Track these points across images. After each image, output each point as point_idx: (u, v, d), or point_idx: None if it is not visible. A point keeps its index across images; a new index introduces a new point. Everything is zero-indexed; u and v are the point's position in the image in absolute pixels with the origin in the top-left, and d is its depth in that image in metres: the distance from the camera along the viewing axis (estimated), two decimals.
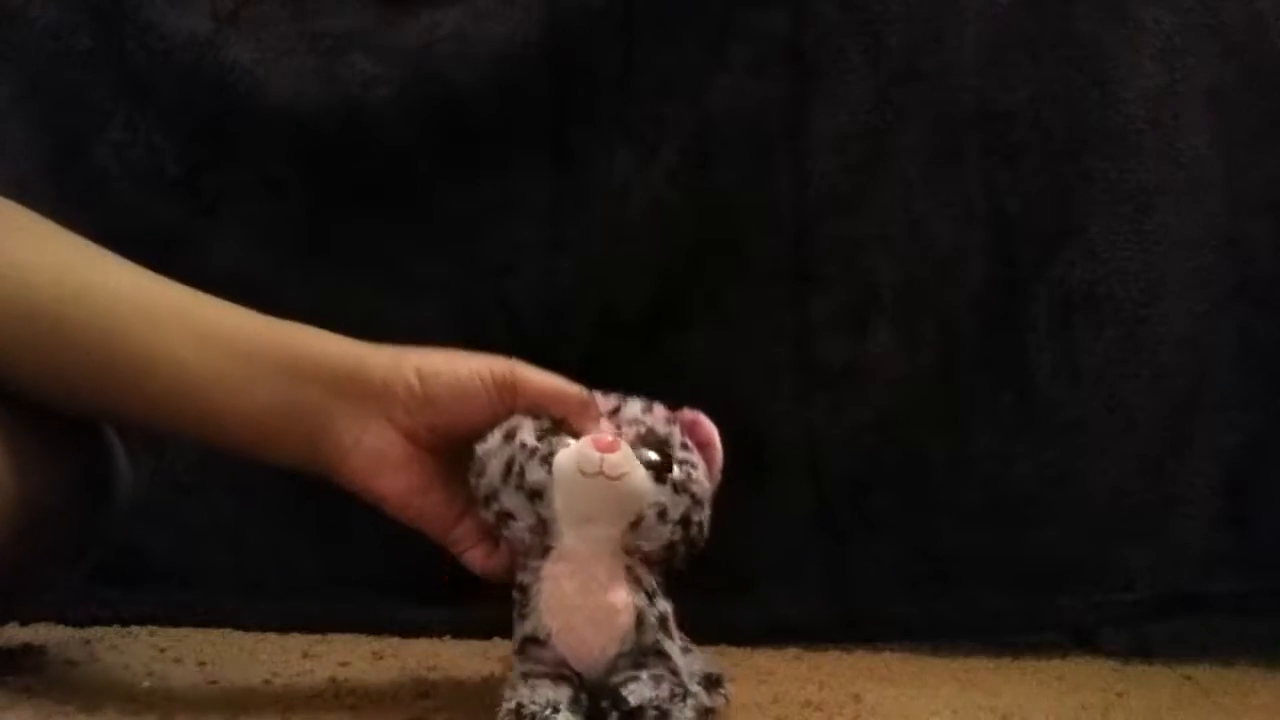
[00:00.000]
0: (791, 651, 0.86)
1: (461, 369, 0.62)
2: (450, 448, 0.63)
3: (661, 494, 0.57)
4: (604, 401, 0.61)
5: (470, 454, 0.61)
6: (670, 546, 0.58)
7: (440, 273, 0.92)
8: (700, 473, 0.60)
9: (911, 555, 0.90)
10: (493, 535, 0.62)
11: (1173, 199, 0.90)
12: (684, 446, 0.60)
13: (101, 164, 0.93)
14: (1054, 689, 0.76)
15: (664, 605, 0.59)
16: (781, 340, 0.91)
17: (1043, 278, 0.91)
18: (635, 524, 0.57)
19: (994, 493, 0.90)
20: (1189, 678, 0.80)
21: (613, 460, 0.55)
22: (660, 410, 0.62)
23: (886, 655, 0.86)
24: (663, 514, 0.57)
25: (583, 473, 0.56)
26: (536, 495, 0.57)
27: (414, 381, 0.62)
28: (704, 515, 0.59)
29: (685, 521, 0.58)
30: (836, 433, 0.91)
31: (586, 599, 0.57)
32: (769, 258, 0.92)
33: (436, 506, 0.63)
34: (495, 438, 0.60)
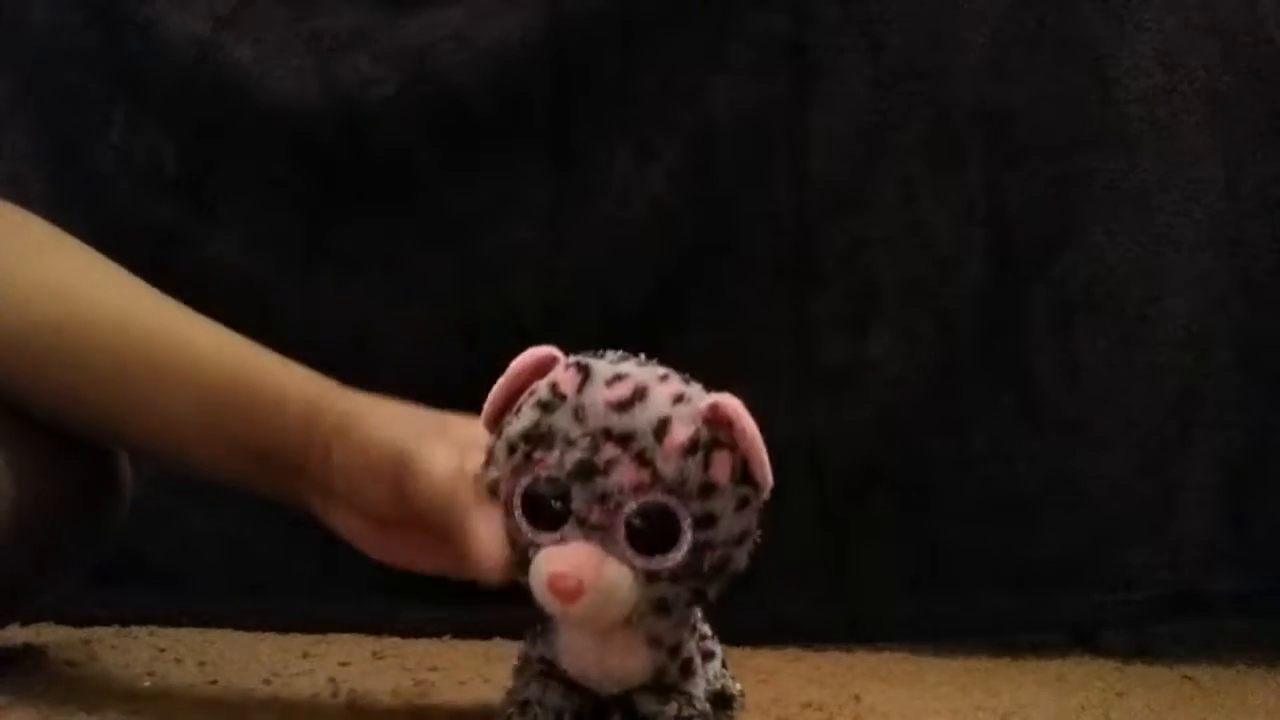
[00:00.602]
0: (792, 651, 0.86)
1: (366, 463, 0.57)
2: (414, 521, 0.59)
3: (656, 590, 0.49)
4: (604, 411, 0.49)
5: None
6: (688, 604, 0.52)
7: (440, 273, 0.92)
8: (723, 526, 0.49)
9: (911, 555, 0.90)
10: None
11: (1173, 199, 0.90)
12: (703, 490, 0.48)
13: (101, 164, 0.93)
14: (1054, 689, 0.76)
15: (688, 652, 0.54)
16: (781, 340, 0.91)
17: (1043, 278, 0.90)
18: (629, 620, 0.50)
19: (994, 493, 0.90)
20: (1189, 678, 0.80)
21: (577, 612, 0.48)
22: (679, 427, 0.49)
23: (886, 655, 0.86)
24: (663, 608, 0.50)
25: (552, 609, 0.49)
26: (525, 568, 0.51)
27: (344, 480, 0.58)
28: (733, 565, 0.50)
29: (698, 598, 0.51)
30: (837, 433, 0.91)
31: (601, 656, 0.52)
32: (769, 258, 0.92)
33: (443, 559, 0.59)
34: (499, 452, 0.52)
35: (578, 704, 0.53)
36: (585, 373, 0.50)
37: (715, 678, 0.59)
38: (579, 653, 0.52)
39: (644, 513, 0.48)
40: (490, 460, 0.52)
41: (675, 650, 0.53)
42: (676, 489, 0.48)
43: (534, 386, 0.52)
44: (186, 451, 0.64)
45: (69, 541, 0.69)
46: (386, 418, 0.60)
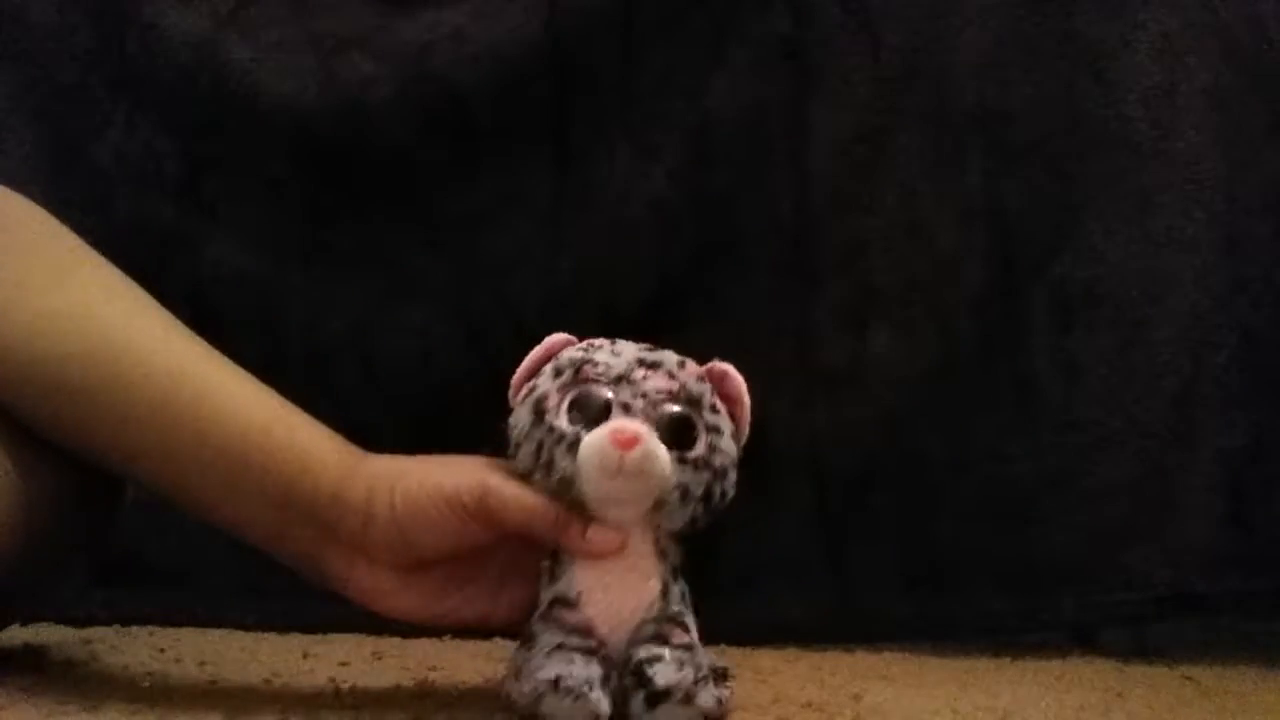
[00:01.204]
0: (791, 651, 0.86)
1: (434, 508, 0.60)
2: (456, 560, 0.63)
3: (684, 474, 0.58)
4: (635, 350, 0.61)
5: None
6: (692, 520, 0.60)
7: (440, 273, 0.92)
8: (725, 439, 0.60)
9: (911, 555, 0.90)
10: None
11: (1173, 199, 0.90)
12: (713, 409, 0.61)
13: (101, 164, 0.93)
14: (1054, 689, 0.76)
15: (684, 584, 0.61)
16: (782, 340, 0.91)
17: (1043, 278, 0.90)
18: (658, 506, 0.59)
19: (994, 493, 0.90)
20: (1189, 678, 0.80)
21: (632, 459, 0.57)
22: (692, 366, 0.62)
23: (886, 655, 0.86)
24: (685, 494, 0.59)
25: (607, 471, 0.57)
26: (566, 483, 0.58)
27: (390, 527, 0.61)
28: (727, 483, 0.61)
29: (708, 496, 0.60)
30: (837, 433, 0.91)
31: (618, 563, 0.59)
32: (769, 258, 0.92)
33: (457, 611, 0.64)
34: (524, 414, 0.60)
35: (600, 673, 0.56)
36: (611, 339, 0.63)
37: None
38: (593, 581, 0.59)
39: (672, 415, 0.59)
40: (514, 430, 0.61)
41: (676, 573, 0.61)
42: (696, 400, 0.60)
43: (563, 349, 0.63)
44: (201, 504, 0.63)
45: (69, 540, 0.69)
46: (424, 469, 0.62)
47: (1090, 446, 0.89)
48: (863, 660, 0.85)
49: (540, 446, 0.59)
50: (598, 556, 0.59)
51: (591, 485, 0.58)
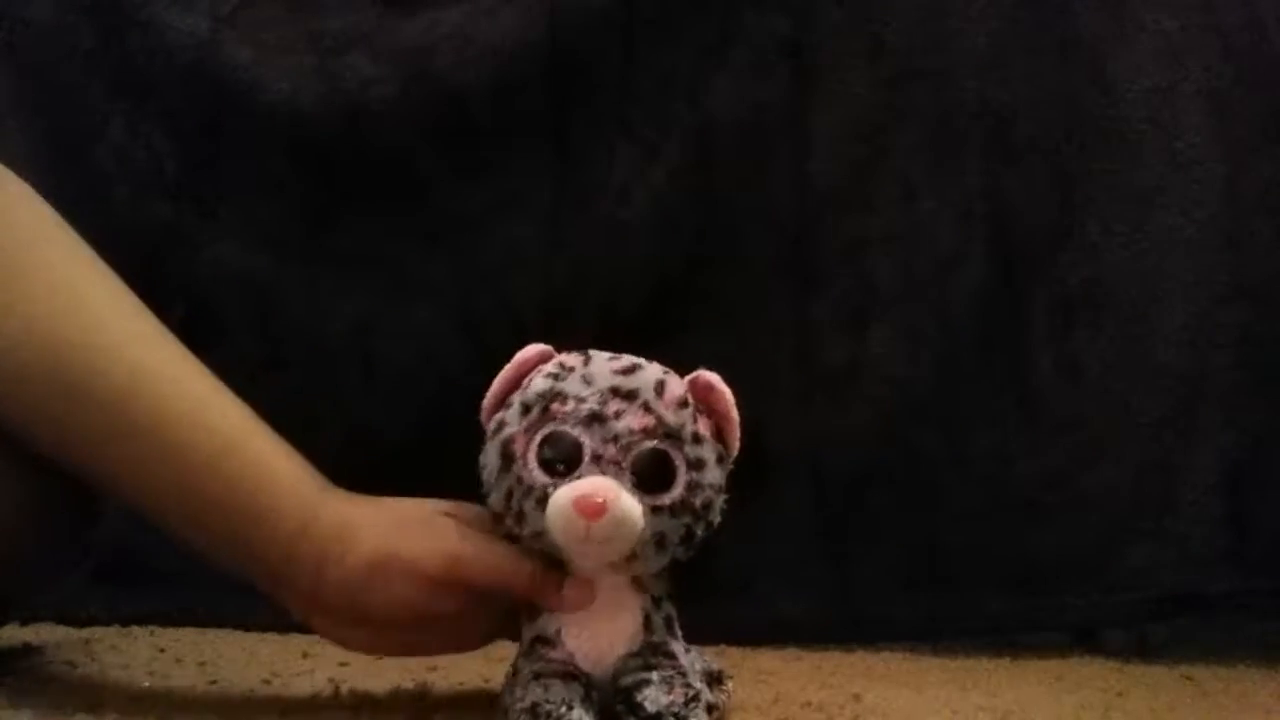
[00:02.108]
0: (792, 651, 0.86)
1: (394, 584, 0.58)
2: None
3: (660, 523, 0.55)
4: (610, 374, 0.57)
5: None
6: (673, 561, 0.58)
7: (440, 273, 0.92)
8: (709, 470, 0.57)
9: (911, 555, 0.90)
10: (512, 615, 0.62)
11: (1173, 199, 0.90)
12: (694, 439, 0.56)
13: (101, 164, 0.93)
14: (1054, 689, 0.76)
15: (669, 608, 0.60)
16: (781, 340, 0.91)
17: (1043, 278, 0.90)
18: (633, 556, 0.56)
19: (994, 493, 0.90)
20: (1189, 678, 0.80)
21: (599, 528, 0.54)
22: (674, 386, 0.57)
23: (886, 655, 0.86)
24: (661, 542, 0.56)
25: (574, 539, 0.55)
26: (538, 535, 0.57)
27: (343, 595, 0.59)
28: (712, 515, 0.57)
29: (687, 538, 0.57)
30: (837, 433, 0.91)
31: (594, 605, 0.58)
32: (769, 258, 0.92)
33: (425, 648, 0.64)
34: (493, 456, 0.58)
35: (580, 692, 0.56)
36: (586, 354, 0.59)
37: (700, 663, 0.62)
38: (570, 620, 0.58)
39: (648, 455, 0.55)
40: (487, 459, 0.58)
41: (659, 601, 0.59)
42: (675, 434, 0.56)
43: (535, 370, 0.59)
44: (170, 529, 0.62)
45: (71, 535, 0.69)
46: (379, 533, 0.59)
47: (1090, 446, 0.89)
48: (863, 660, 0.85)
49: (510, 495, 0.57)
50: (573, 610, 0.58)
51: (562, 547, 0.56)
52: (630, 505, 0.54)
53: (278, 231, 0.93)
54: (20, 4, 0.94)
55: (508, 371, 0.59)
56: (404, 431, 0.91)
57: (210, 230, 0.93)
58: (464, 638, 0.64)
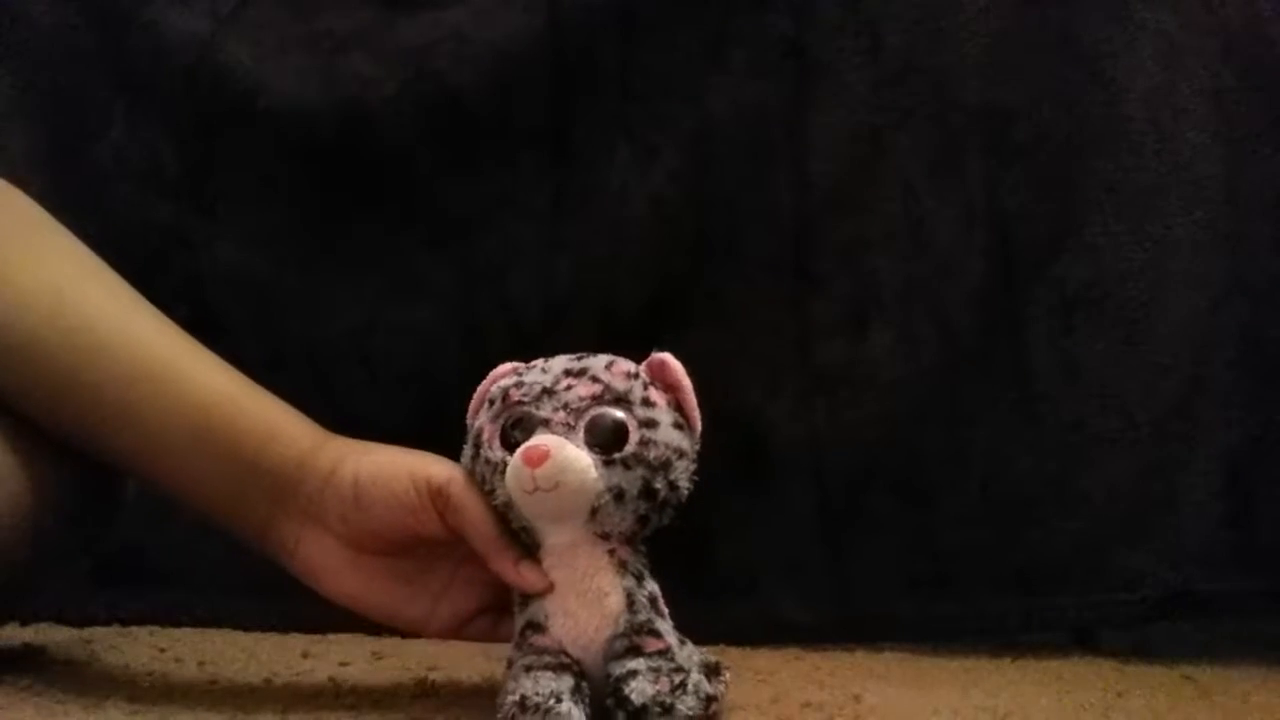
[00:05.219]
0: (792, 651, 0.86)
1: (396, 480, 0.62)
2: (404, 550, 0.64)
3: (614, 476, 0.58)
4: (565, 362, 0.62)
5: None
6: (641, 519, 0.60)
7: (440, 273, 0.92)
8: (663, 429, 0.60)
9: (911, 555, 0.90)
10: (485, 611, 0.65)
11: (1173, 199, 0.90)
12: (645, 403, 0.60)
13: (101, 164, 0.94)
14: (1054, 689, 0.76)
15: (652, 586, 0.61)
16: (782, 340, 0.91)
17: (1043, 278, 0.90)
18: (594, 513, 0.59)
19: (994, 493, 0.90)
20: (1189, 678, 0.80)
21: (543, 473, 0.57)
22: (623, 363, 0.62)
23: (886, 655, 0.86)
24: (620, 495, 0.59)
25: (524, 491, 0.58)
26: (506, 506, 0.60)
27: (347, 492, 0.62)
28: (674, 474, 0.60)
29: (649, 493, 0.59)
30: (837, 433, 0.90)
31: (575, 585, 0.60)
32: (769, 258, 0.92)
33: (396, 605, 0.65)
34: (467, 452, 0.63)
35: (569, 684, 0.57)
36: (548, 357, 0.63)
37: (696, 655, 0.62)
38: (555, 606, 0.60)
39: (599, 418, 0.59)
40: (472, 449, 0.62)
41: (640, 578, 0.61)
42: (624, 398, 0.60)
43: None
44: (162, 471, 0.64)
45: (67, 536, 0.69)
46: (395, 451, 0.64)
47: (1090, 446, 0.89)
48: (863, 660, 0.85)
49: (483, 480, 0.61)
50: (527, 590, 0.60)
51: (522, 506, 0.59)
52: (575, 454, 0.58)
53: (278, 231, 0.93)
54: (20, 4, 0.94)
55: (482, 386, 0.64)
56: (404, 431, 0.91)
57: (210, 230, 0.93)
58: (434, 611, 0.65)
